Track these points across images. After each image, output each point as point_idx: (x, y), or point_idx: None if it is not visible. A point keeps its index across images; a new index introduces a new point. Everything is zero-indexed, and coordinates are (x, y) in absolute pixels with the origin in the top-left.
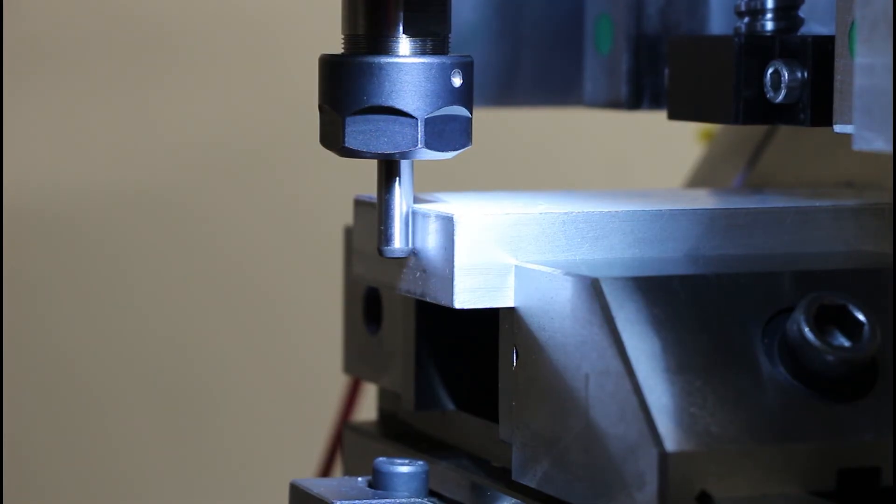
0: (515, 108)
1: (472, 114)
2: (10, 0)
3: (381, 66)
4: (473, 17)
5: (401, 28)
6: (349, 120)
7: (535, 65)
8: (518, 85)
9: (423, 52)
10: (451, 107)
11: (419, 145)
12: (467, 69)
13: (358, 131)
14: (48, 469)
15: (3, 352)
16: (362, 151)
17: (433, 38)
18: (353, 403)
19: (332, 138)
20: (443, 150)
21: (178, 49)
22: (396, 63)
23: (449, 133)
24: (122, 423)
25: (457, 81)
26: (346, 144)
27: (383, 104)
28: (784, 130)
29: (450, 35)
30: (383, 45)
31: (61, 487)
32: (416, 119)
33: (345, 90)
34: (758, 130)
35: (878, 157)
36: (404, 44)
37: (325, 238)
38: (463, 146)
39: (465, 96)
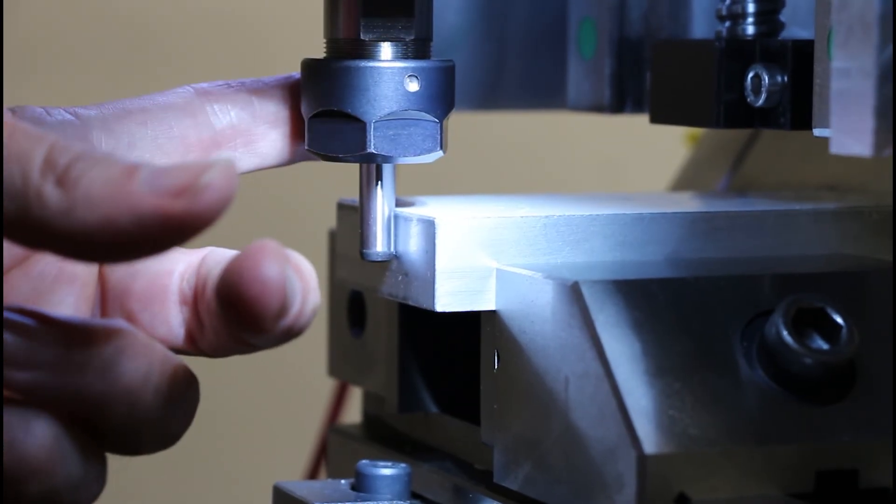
0: (500, 111)
1: (441, 119)
2: (9, 2)
3: (331, 70)
4: (458, 20)
5: (359, 33)
6: (310, 122)
7: (519, 68)
8: (503, 88)
9: (382, 57)
10: (406, 111)
11: (369, 149)
12: (429, 75)
13: (317, 133)
14: None
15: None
16: (320, 153)
17: (396, 42)
18: (340, 407)
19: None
20: (401, 155)
21: (170, 53)
22: (346, 67)
23: (406, 138)
24: None
25: (412, 87)
26: (307, 146)
27: (334, 108)
28: (769, 134)
29: (429, 40)
30: (345, 49)
31: None
32: (365, 123)
33: (307, 93)
34: (743, 133)
35: (861, 160)
36: (361, 48)
37: (310, 241)
38: (429, 151)
39: (426, 102)
